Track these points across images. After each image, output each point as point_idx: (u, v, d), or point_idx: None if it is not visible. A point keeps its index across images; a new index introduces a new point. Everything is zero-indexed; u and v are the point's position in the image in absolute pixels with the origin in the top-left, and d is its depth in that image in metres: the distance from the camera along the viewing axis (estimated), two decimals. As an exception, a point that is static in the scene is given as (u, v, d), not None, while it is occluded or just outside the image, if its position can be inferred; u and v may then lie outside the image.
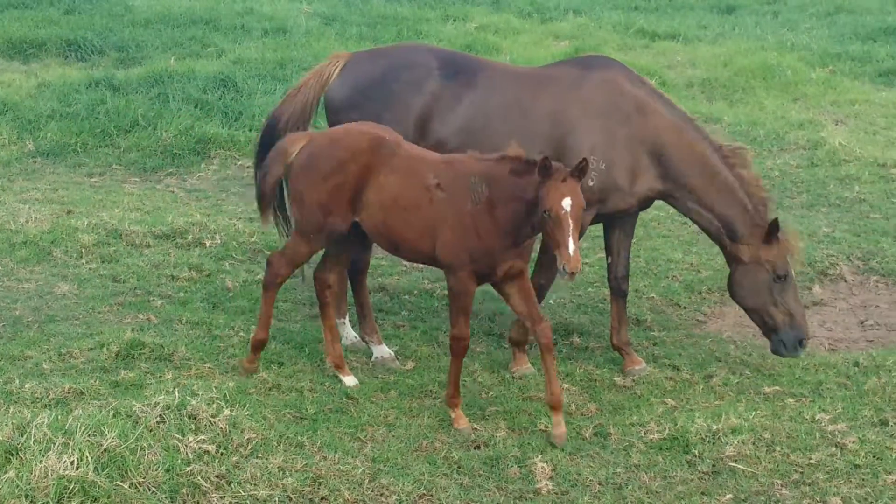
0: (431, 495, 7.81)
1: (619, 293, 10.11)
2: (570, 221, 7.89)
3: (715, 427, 8.54)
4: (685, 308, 11.46)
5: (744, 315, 10.38)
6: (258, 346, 9.44)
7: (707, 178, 9.72)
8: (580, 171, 8.02)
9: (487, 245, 8.37)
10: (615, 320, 10.07)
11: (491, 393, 9.41)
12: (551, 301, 11.23)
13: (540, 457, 8.28)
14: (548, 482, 7.97)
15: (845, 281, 12.33)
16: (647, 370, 9.81)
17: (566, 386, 9.46)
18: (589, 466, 8.26)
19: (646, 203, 9.98)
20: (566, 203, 7.90)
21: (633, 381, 9.68)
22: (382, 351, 10.01)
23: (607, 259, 10.17)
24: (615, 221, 10.05)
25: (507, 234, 8.33)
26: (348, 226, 8.98)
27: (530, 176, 8.15)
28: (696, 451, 8.37)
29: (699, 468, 8.25)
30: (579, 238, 8.06)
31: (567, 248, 7.86)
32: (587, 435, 8.71)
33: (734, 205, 9.73)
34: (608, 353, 10.23)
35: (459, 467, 8.20)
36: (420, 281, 11.93)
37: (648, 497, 7.93)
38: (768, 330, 9.83)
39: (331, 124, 9.97)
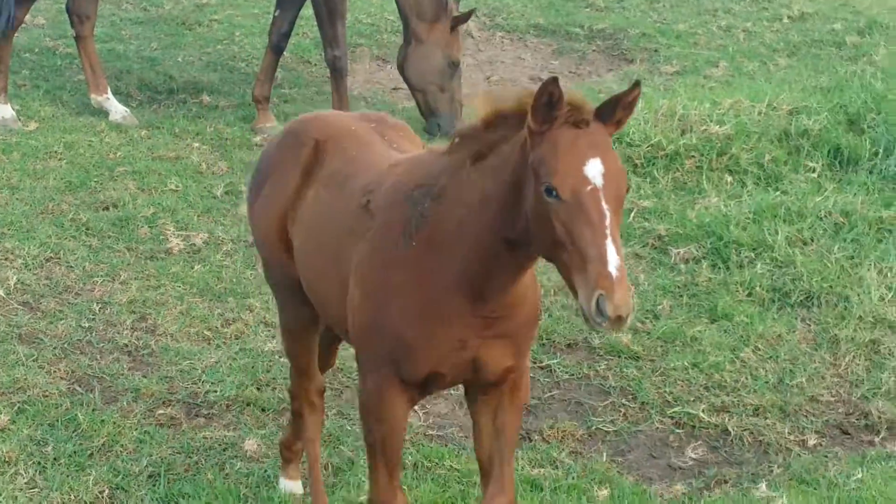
0: (59, 258, 7.66)
1: (276, 50, 9.93)
2: (605, 209, 3.80)
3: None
4: (316, 65, 11.45)
5: (374, 72, 10.45)
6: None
7: None
8: (626, 107, 3.92)
9: (425, 316, 4.20)
10: (263, 73, 9.93)
11: (119, 153, 9.21)
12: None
13: (170, 216, 8.22)
14: (179, 242, 7.92)
15: (472, 37, 12.57)
16: (278, 128, 9.68)
17: (196, 144, 9.38)
18: (222, 224, 8.23)
19: None
20: (592, 171, 3.83)
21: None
22: (4, 111, 9.61)
23: (274, 12, 9.93)
24: None
25: (464, 281, 4.14)
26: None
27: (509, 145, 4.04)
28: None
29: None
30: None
31: (604, 262, 3.74)
32: (219, 193, 8.65)
33: None
34: (239, 112, 10.16)
35: (88, 229, 8.05)
36: (41, 38, 11.49)
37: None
38: (428, 111, 9.98)
39: None
